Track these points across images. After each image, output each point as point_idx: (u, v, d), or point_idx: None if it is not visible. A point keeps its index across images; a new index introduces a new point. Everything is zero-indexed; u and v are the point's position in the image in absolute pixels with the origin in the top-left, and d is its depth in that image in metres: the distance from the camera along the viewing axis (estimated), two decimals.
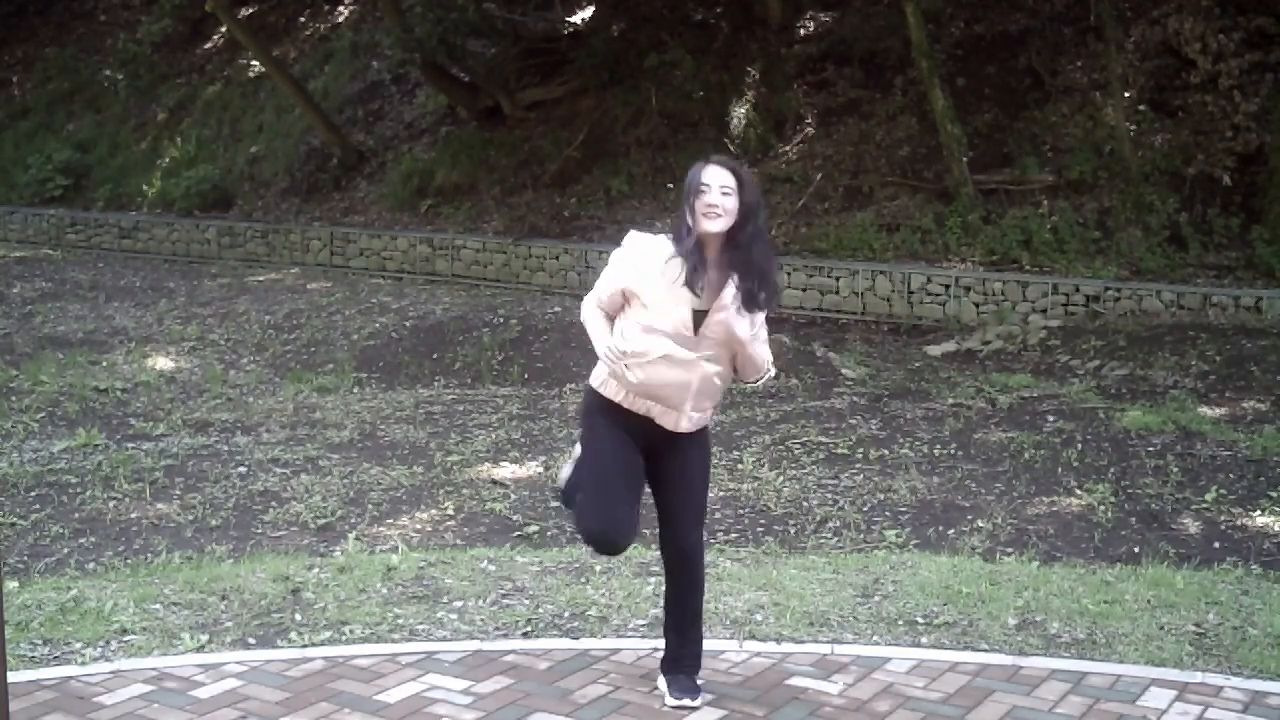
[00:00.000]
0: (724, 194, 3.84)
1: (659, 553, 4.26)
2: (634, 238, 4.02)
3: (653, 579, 5.27)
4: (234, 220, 18.79)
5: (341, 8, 22.20)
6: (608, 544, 4.02)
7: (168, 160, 20.53)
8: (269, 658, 4.53)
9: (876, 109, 15.12)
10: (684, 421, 3.98)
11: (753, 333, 3.93)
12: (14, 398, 9.89)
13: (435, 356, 11.65)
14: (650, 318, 3.90)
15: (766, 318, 4.00)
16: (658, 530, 4.18)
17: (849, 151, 14.87)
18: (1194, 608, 5.00)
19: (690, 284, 3.85)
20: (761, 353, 3.98)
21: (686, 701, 4.06)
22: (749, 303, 3.88)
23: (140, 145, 21.53)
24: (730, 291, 3.87)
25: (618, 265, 3.99)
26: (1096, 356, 10.76)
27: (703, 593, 4.21)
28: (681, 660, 4.15)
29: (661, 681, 4.18)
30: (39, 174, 21.54)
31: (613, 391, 3.99)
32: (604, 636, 4.74)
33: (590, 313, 4.10)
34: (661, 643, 4.28)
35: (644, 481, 4.09)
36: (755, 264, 3.88)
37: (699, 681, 4.16)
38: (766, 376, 4.06)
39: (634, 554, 5.82)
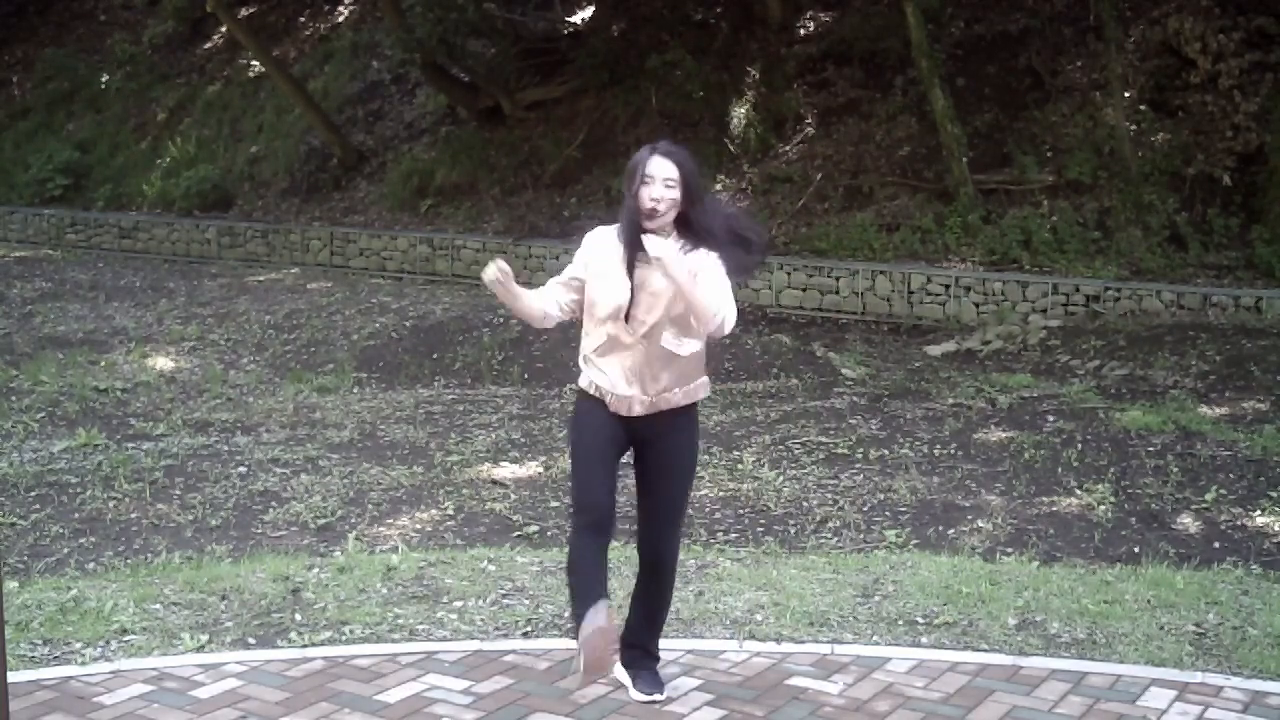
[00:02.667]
0: (667, 186, 3.83)
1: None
2: (590, 233, 4.06)
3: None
4: (234, 220, 18.79)
5: (341, 8, 22.19)
6: (595, 526, 3.90)
7: (168, 160, 20.53)
8: (269, 658, 4.53)
9: (876, 109, 15.12)
10: (636, 406, 3.93)
11: (693, 273, 3.77)
12: (14, 398, 9.89)
13: (435, 356, 11.65)
14: (597, 307, 3.94)
15: (739, 272, 3.91)
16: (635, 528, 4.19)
17: (849, 151, 14.87)
18: (1194, 608, 5.00)
19: (629, 267, 3.88)
20: (706, 298, 3.74)
21: (656, 696, 4.08)
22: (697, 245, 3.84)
23: (140, 145, 21.53)
24: (670, 246, 3.79)
25: (575, 258, 4.04)
26: (1096, 356, 10.76)
27: (672, 590, 4.22)
28: (646, 655, 4.16)
29: (624, 676, 4.18)
30: (39, 174, 21.53)
31: (591, 388, 4.02)
32: None
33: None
34: (659, 643, 4.28)
35: (617, 461, 4.03)
36: (714, 235, 3.88)
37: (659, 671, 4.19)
38: (717, 324, 3.76)
39: (634, 554, 5.82)
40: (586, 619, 3.76)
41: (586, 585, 3.88)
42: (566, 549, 6.12)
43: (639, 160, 3.89)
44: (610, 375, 3.95)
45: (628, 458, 4.11)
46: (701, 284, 3.78)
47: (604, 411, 3.99)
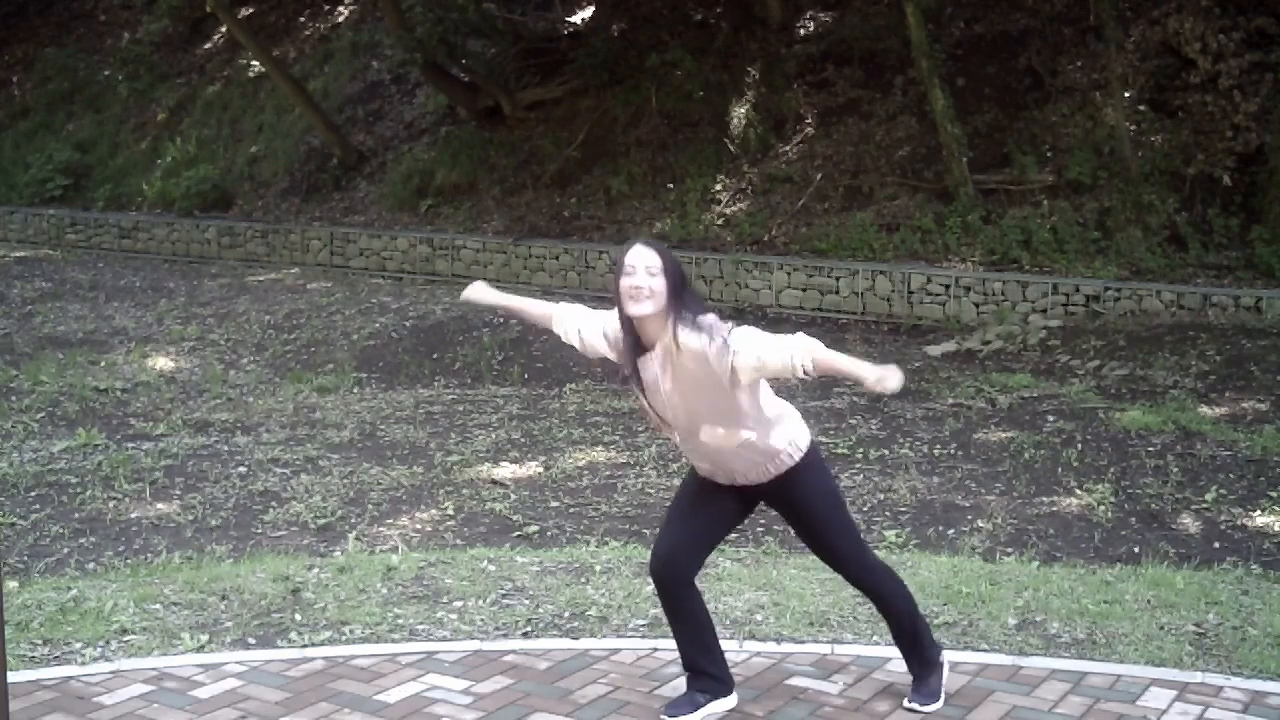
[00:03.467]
0: (650, 275, 3.69)
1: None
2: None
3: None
4: (234, 220, 18.79)
5: (341, 8, 22.20)
6: (654, 576, 4.01)
7: (168, 160, 20.53)
8: (269, 658, 4.53)
9: (876, 109, 15.12)
10: (738, 478, 3.93)
11: (747, 364, 3.62)
12: (14, 398, 9.89)
13: (435, 356, 11.65)
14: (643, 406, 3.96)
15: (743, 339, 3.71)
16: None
17: (849, 151, 14.87)
18: (1194, 608, 5.00)
19: (625, 378, 3.87)
20: (774, 360, 3.62)
21: (927, 706, 4.04)
22: (688, 342, 3.68)
23: (140, 145, 21.53)
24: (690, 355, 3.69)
25: (609, 316, 3.93)
26: (1096, 356, 10.76)
27: (897, 603, 4.07)
28: (912, 668, 4.13)
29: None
30: (39, 174, 21.54)
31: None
32: (604, 636, 4.74)
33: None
34: (659, 643, 4.27)
35: (712, 519, 4.03)
36: (690, 320, 3.71)
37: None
38: (798, 365, 3.59)
39: (634, 554, 5.83)
40: (675, 702, 4.02)
41: (688, 647, 4.05)
42: (569, 547, 6.15)
43: (620, 254, 3.81)
44: (692, 458, 4.01)
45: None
46: (759, 356, 3.63)
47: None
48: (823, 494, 3.99)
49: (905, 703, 4.05)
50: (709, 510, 4.00)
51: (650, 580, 4.00)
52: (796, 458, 3.89)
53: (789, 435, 3.89)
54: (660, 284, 3.69)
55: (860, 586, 4.10)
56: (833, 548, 4.01)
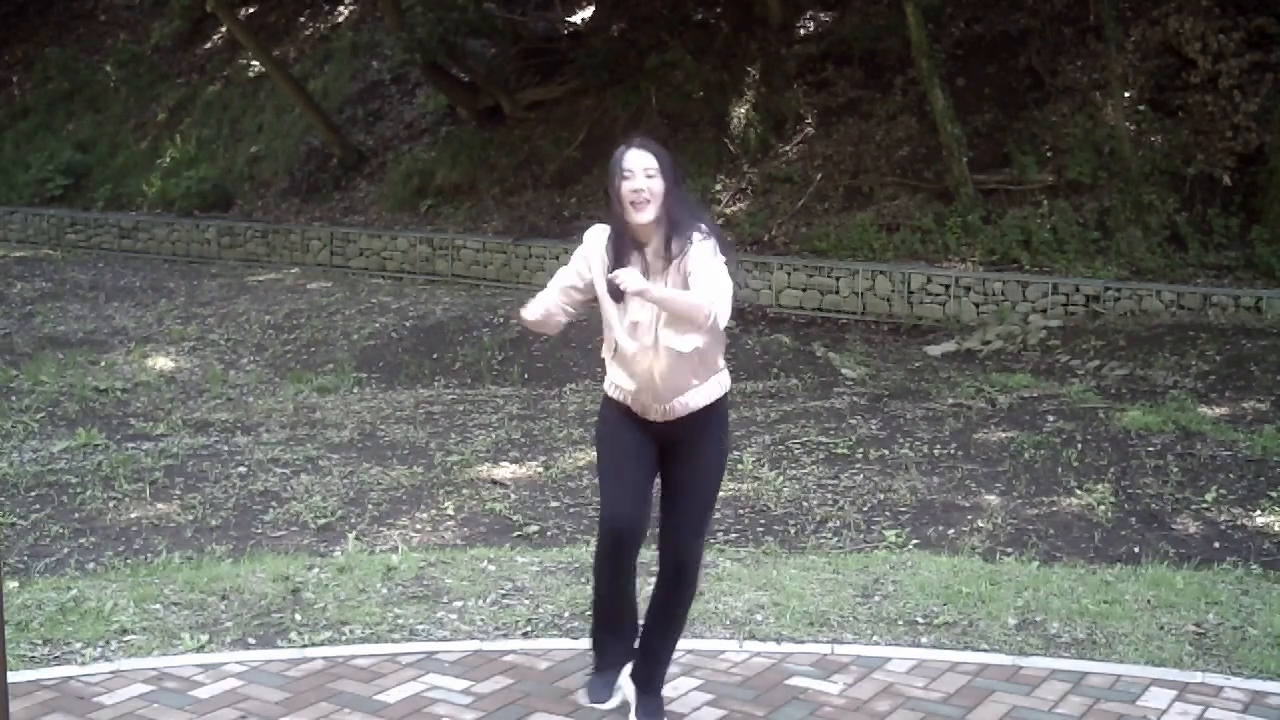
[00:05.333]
0: (648, 177, 3.74)
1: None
2: (589, 232, 3.97)
3: (652, 578, 5.27)
4: (234, 220, 18.80)
5: (341, 8, 22.20)
6: (618, 536, 3.84)
7: (168, 160, 20.54)
8: (269, 658, 4.53)
9: (876, 109, 15.12)
10: (651, 413, 3.87)
11: (684, 275, 3.68)
12: (14, 398, 9.89)
13: (435, 356, 11.65)
14: (604, 312, 3.88)
15: (725, 264, 3.74)
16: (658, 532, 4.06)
17: (849, 151, 14.87)
18: (1194, 608, 5.00)
19: (610, 287, 3.82)
20: (691, 301, 3.60)
21: None
22: (674, 252, 3.73)
23: (140, 145, 21.54)
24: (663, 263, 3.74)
25: (574, 256, 3.95)
26: (1096, 356, 10.76)
27: (692, 599, 4.05)
28: (654, 667, 3.99)
29: (628, 688, 4.00)
30: (39, 174, 21.55)
31: (612, 390, 3.97)
32: None
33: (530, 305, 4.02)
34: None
35: (652, 470, 3.95)
36: (684, 224, 3.76)
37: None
38: (711, 322, 3.60)
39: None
40: (591, 686, 3.96)
41: (606, 631, 3.97)
42: (569, 547, 6.16)
43: (616, 157, 3.83)
44: (625, 378, 3.90)
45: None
46: (690, 291, 3.65)
47: (628, 415, 3.93)
48: (719, 451, 3.98)
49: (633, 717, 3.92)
50: (641, 459, 3.91)
51: (610, 542, 3.87)
52: (723, 391, 3.93)
53: (721, 366, 3.94)
54: (659, 185, 3.74)
55: (681, 564, 3.94)
56: (701, 509, 3.93)
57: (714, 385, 3.91)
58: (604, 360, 4.00)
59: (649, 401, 3.87)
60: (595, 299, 3.95)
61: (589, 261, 3.92)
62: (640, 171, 3.74)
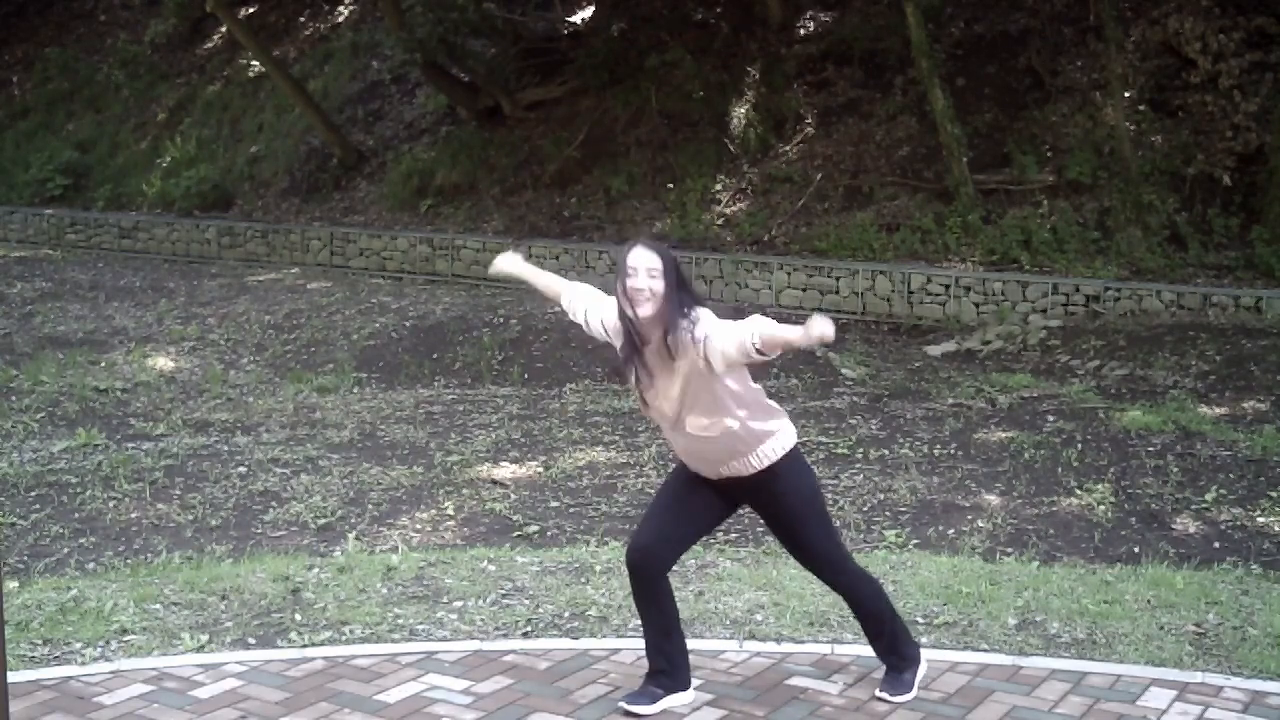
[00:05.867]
0: (650, 277, 3.81)
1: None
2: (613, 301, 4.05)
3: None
4: (234, 220, 18.79)
5: (341, 8, 22.20)
6: (630, 565, 4.05)
7: (168, 160, 20.54)
8: (269, 658, 4.53)
9: (876, 109, 15.12)
10: (723, 470, 3.98)
11: (715, 352, 3.71)
12: (14, 398, 9.89)
13: (435, 356, 11.65)
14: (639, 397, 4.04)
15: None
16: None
17: (849, 151, 14.87)
18: (1194, 608, 5.00)
19: (622, 375, 3.98)
20: (731, 347, 3.68)
21: (898, 697, 4.10)
22: (677, 341, 3.79)
23: (140, 145, 21.54)
24: (683, 361, 3.81)
25: (604, 301, 4.12)
26: (1096, 356, 10.76)
27: (870, 604, 4.14)
28: (879, 649, 4.19)
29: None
30: (39, 174, 21.55)
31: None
32: (604, 636, 4.74)
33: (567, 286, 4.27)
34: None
35: (694, 516, 4.08)
36: (680, 324, 3.81)
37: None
38: (749, 344, 3.64)
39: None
40: (634, 693, 4.07)
41: (651, 643, 4.12)
42: (569, 547, 6.15)
43: (620, 255, 3.92)
44: (675, 448, 4.08)
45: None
46: (728, 345, 3.70)
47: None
48: (803, 494, 4.03)
49: (876, 691, 4.12)
50: (693, 505, 4.07)
51: (628, 567, 4.07)
52: (780, 454, 3.95)
53: (773, 431, 3.96)
54: (660, 285, 3.81)
55: (835, 589, 4.17)
56: (809, 548, 4.08)
57: (770, 449, 3.94)
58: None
59: (699, 467, 4.03)
60: (598, 334, 4.18)
61: (605, 324, 4.09)
62: (644, 270, 3.83)
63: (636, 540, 4.04)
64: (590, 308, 4.19)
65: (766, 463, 3.94)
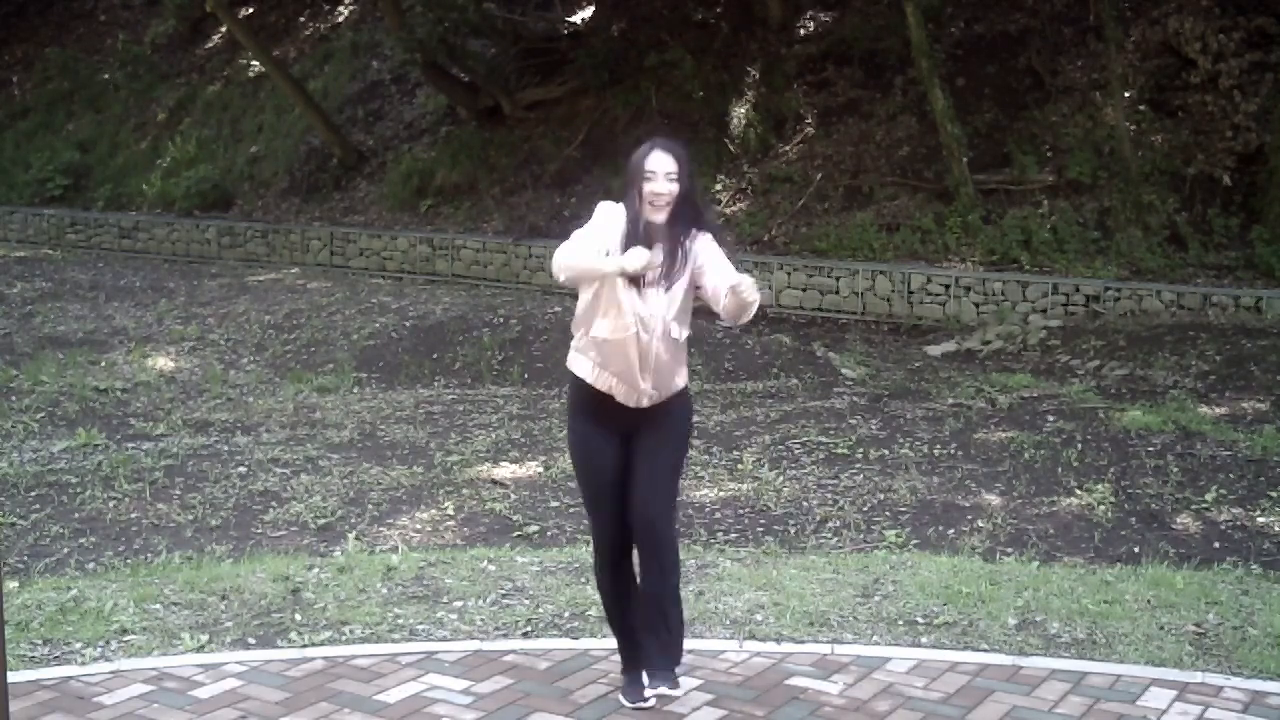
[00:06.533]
0: (669, 180, 3.91)
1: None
2: (603, 205, 4.05)
3: None
4: (234, 220, 18.79)
5: (341, 8, 22.20)
6: (607, 551, 4.09)
7: (168, 160, 20.54)
8: (269, 658, 4.53)
9: (876, 109, 15.12)
10: (644, 399, 3.98)
11: (699, 267, 3.94)
12: (14, 398, 9.89)
13: (435, 356, 11.64)
14: (613, 297, 3.90)
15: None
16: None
17: (849, 151, 14.87)
18: (1194, 608, 5.00)
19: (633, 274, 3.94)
20: (749, 294, 3.76)
21: (663, 690, 3.96)
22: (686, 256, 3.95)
23: (140, 145, 21.53)
24: (687, 264, 3.96)
25: (595, 224, 3.97)
26: (1096, 356, 10.76)
27: (678, 565, 4.06)
28: (667, 650, 4.02)
29: (646, 686, 4.05)
30: (39, 174, 21.55)
31: (584, 370, 4.00)
32: (604, 636, 4.74)
33: (570, 253, 3.87)
34: None
35: (623, 470, 4.03)
36: (691, 222, 3.98)
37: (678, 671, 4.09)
38: (752, 298, 3.75)
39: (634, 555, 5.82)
40: (626, 689, 4.11)
41: (625, 635, 4.12)
42: (569, 547, 6.15)
43: (639, 157, 3.96)
44: (615, 364, 3.94)
45: None
46: (729, 275, 3.86)
47: (596, 415, 4.01)
48: (684, 430, 4.15)
49: (649, 689, 4.03)
50: (613, 469, 4.03)
51: (607, 556, 4.10)
52: (687, 375, 4.17)
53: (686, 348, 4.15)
54: (678, 188, 3.93)
55: (654, 529, 3.95)
56: (668, 474, 4.01)
57: (684, 370, 4.12)
58: (583, 345, 4.00)
59: (643, 388, 3.96)
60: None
61: (607, 240, 3.91)
62: (662, 175, 3.91)
63: (610, 531, 4.05)
64: (597, 241, 3.90)
65: (686, 381, 4.11)
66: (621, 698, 4.11)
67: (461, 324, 12.42)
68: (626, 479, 4.02)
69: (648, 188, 3.90)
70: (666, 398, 4.03)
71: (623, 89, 16.72)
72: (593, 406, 4.02)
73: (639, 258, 3.74)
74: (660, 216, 3.92)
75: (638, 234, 3.90)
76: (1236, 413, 8.95)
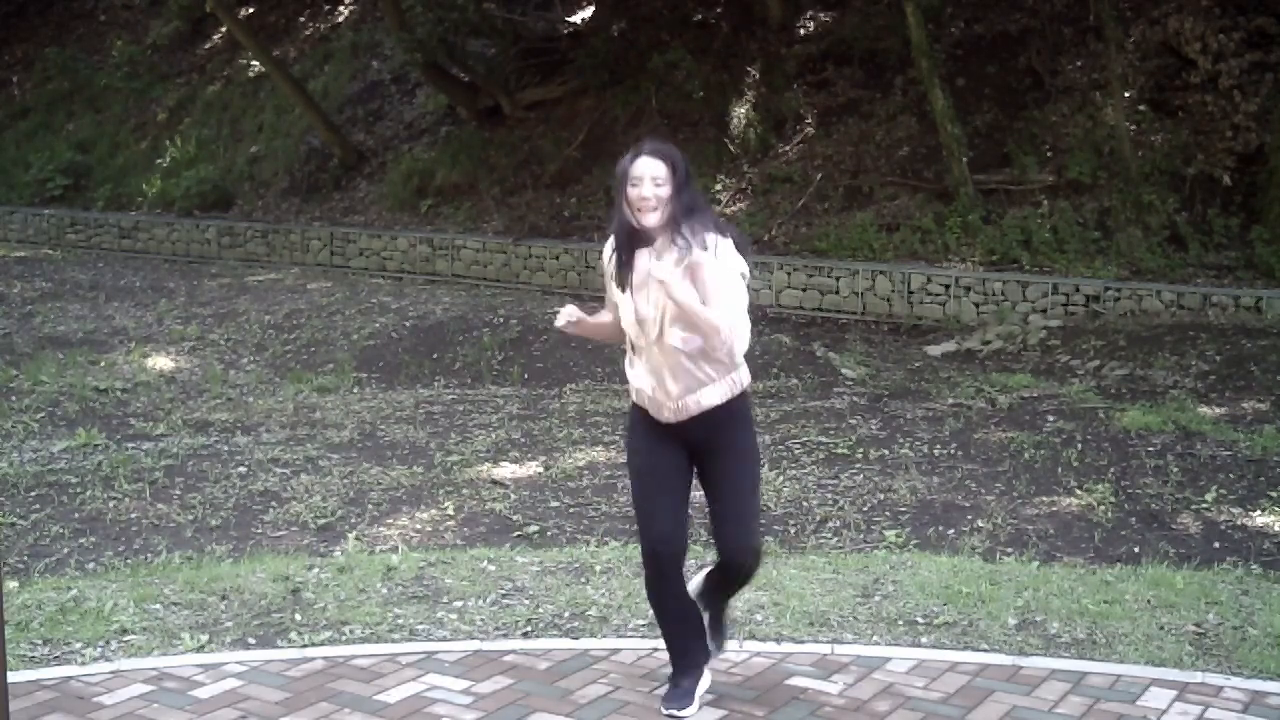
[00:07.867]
0: (656, 185, 3.82)
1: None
2: (606, 244, 4.07)
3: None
4: (234, 220, 18.79)
5: (341, 8, 22.20)
6: (658, 560, 3.95)
7: (168, 160, 20.54)
8: (269, 658, 4.53)
9: (876, 109, 15.12)
10: (665, 412, 3.90)
11: (696, 293, 3.76)
12: (14, 398, 9.89)
13: (435, 356, 11.65)
14: (618, 309, 3.98)
15: (741, 270, 3.86)
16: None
17: (849, 151, 14.87)
18: (1194, 608, 5.00)
19: (619, 280, 3.94)
20: (712, 317, 3.75)
21: (674, 712, 3.99)
22: (682, 258, 3.81)
23: (140, 145, 21.53)
24: (667, 263, 3.82)
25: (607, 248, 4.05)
26: (1096, 356, 10.76)
27: (747, 578, 4.14)
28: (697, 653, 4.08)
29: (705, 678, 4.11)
30: (39, 174, 21.54)
31: (633, 393, 4.05)
32: (604, 636, 4.74)
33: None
34: (660, 643, 4.26)
35: (684, 481, 4.00)
36: (690, 223, 3.85)
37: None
38: (724, 342, 3.77)
39: (633, 554, 5.82)
40: (669, 695, 4.03)
41: (675, 644, 4.06)
42: (569, 547, 6.15)
43: (625, 162, 3.90)
44: (639, 378, 3.97)
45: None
46: (711, 301, 3.76)
47: (651, 424, 3.98)
48: (746, 443, 4.00)
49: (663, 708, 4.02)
50: (669, 474, 3.96)
51: (653, 566, 3.98)
52: (739, 388, 3.94)
53: (741, 364, 3.96)
54: (665, 192, 3.83)
55: (743, 563, 4.01)
56: (742, 502, 3.97)
57: (729, 383, 3.92)
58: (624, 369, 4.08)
59: (662, 399, 3.91)
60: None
61: (606, 273, 4.02)
62: (648, 179, 3.83)
63: (658, 531, 3.92)
64: (611, 308, 4.08)
65: (728, 396, 3.90)
66: (661, 704, 4.05)
67: (461, 324, 12.42)
68: (707, 505, 4.03)
69: (632, 193, 3.83)
70: (701, 412, 3.89)
71: (623, 89, 16.72)
72: (638, 415, 4.05)
73: (561, 315, 3.94)
74: (651, 220, 3.83)
75: (628, 240, 3.90)
76: (1236, 413, 8.95)
